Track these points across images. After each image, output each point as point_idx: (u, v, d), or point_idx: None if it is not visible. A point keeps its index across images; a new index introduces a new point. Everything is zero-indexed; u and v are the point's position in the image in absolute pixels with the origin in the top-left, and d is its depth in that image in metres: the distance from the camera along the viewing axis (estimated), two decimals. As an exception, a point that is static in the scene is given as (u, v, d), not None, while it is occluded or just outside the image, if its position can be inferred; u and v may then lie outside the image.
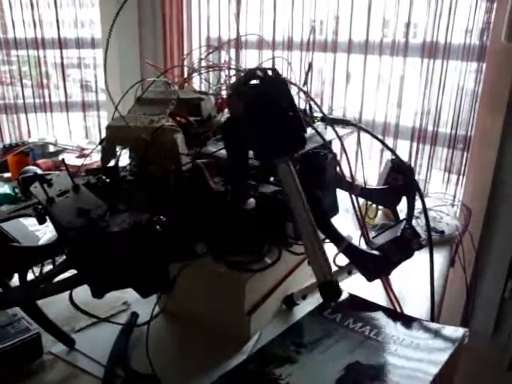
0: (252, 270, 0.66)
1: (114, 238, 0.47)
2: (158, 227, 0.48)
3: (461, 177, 1.44)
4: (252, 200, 0.64)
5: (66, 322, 0.76)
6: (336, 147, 0.79)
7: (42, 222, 0.58)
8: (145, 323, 0.65)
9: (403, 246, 0.67)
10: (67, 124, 2.04)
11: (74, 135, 2.02)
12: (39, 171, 1.33)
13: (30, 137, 1.91)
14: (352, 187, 0.76)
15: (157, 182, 0.64)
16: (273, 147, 0.59)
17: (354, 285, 0.81)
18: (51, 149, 1.54)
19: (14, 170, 1.41)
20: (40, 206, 0.58)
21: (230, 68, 0.77)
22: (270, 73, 0.59)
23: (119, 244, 0.47)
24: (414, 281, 0.92)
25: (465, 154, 1.44)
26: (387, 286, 0.82)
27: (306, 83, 0.75)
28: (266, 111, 0.58)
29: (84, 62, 2.06)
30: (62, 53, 1.98)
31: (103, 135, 0.68)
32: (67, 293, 0.83)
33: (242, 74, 0.60)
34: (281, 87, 0.59)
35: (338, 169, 0.77)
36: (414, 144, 1.53)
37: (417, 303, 0.85)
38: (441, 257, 1.04)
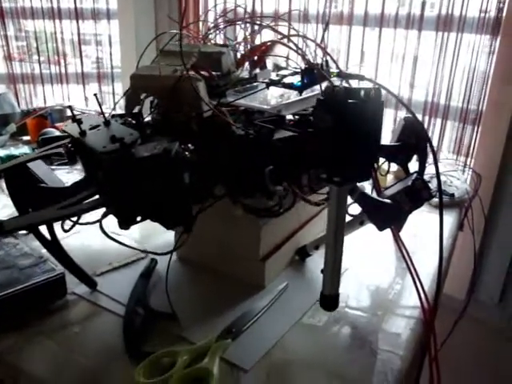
0: (267, 214, 0.69)
1: (145, 163, 0.50)
2: (186, 153, 0.51)
3: (471, 149, 1.46)
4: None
5: (88, 267, 0.79)
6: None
7: (71, 159, 0.61)
8: (168, 253, 0.68)
9: (414, 196, 0.69)
10: (83, 94, 2.08)
11: (90, 103, 2.05)
12: (58, 133, 1.36)
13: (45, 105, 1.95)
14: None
15: (179, 129, 0.67)
16: (346, 170, 0.57)
17: (366, 237, 0.85)
18: (68, 113, 1.57)
19: (33, 133, 1.45)
20: (70, 145, 0.61)
21: (247, 22, 0.79)
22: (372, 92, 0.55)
23: (150, 169, 0.50)
24: (424, 238, 0.95)
25: (475, 127, 1.46)
26: (398, 240, 0.85)
27: (323, 39, 0.77)
28: (355, 134, 0.55)
29: (100, 37, 2.09)
30: (78, 23, 2.01)
31: (118, 104, 0.71)
32: (88, 241, 0.88)
33: (339, 87, 0.55)
34: (378, 112, 0.56)
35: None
36: (426, 118, 1.54)
37: (425, 259, 0.88)
38: (450, 218, 1.07)
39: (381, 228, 0.72)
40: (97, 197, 0.55)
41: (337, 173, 0.57)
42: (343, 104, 0.53)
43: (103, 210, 0.58)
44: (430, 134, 1.53)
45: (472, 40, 1.40)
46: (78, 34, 2.02)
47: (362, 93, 0.54)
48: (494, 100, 1.39)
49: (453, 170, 1.24)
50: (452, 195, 1.10)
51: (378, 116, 0.56)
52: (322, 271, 0.63)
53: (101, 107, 0.59)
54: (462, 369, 1.45)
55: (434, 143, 1.52)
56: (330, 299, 0.63)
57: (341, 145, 0.55)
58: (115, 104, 0.81)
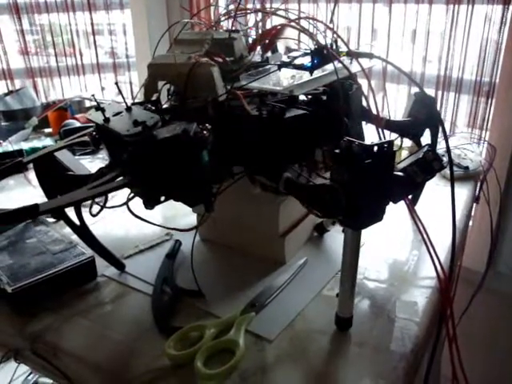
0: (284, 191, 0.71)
1: (166, 143, 0.53)
2: (205, 133, 0.54)
3: (485, 122, 1.46)
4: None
5: (115, 250, 0.83)
6: (364, 85, 0.83)
7: (96, 146, 0.65)
8: (193, 229, 0.71)
9: (425, 168, 0.70)
10: (99, 84, 2.12)
11: (107, 93, 2.10)
12: (78, 124, 1.40)
13: (63, 97, 1.99)
14: (377, 119, 0.80)
15: (196, 114, 0.70)
16: (360, 218, 0.58)
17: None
18: (87, 104, 1.61)
19: (54, 125, 1.49)
20: (94, 133, 0.64)
21: (258, 11, 0.81)
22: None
23: (171, 149, 0.53)
24: (440, 211, 0.96)
25: (489, 99, 1.46)
26: (413, 213, 0.86)
27: (332, 20, 0.79)
28: (370, 187, 0.57)
29: (113, 27, 2.12)
30: (91, 14, 2.04)
31: (134, 93, 0.74)
32: (113, 227, 0.92)
33: (355, 144, 0.55)
34: (390, 162, 0.58)
35: (363, 101, 0.82)
36: (440, 92, 1.55)
37: (440, 231, 0.89)
38: (465, 190, 1.08)
39: (395, 201, 0.74)
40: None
41: (352, 220, 0.59)
42: (359, 163, 0.55)
43: (128, 197, 0.61)
44: (444, 108, 1.53)
45: (483, 11, 1.40)
46: (92, 25, 2.06)
47: (376, 148, 0.55)
48: (508, 71, 1.38)
49: (467, 143, 1.24)
50: (466, 168, 1.11)
51: (391, 166, 0.59)
52: (337, 295, 0.66)
53: (122, 94, 0.62)
54: (481, 339, 1.47)
55: (449, 117, 1.52)
56: (344, 320, 0.67)
57: (355, 197, 0.56)
58: (135, 95, 0.84)
